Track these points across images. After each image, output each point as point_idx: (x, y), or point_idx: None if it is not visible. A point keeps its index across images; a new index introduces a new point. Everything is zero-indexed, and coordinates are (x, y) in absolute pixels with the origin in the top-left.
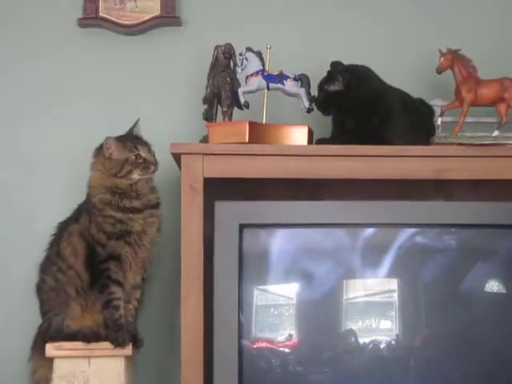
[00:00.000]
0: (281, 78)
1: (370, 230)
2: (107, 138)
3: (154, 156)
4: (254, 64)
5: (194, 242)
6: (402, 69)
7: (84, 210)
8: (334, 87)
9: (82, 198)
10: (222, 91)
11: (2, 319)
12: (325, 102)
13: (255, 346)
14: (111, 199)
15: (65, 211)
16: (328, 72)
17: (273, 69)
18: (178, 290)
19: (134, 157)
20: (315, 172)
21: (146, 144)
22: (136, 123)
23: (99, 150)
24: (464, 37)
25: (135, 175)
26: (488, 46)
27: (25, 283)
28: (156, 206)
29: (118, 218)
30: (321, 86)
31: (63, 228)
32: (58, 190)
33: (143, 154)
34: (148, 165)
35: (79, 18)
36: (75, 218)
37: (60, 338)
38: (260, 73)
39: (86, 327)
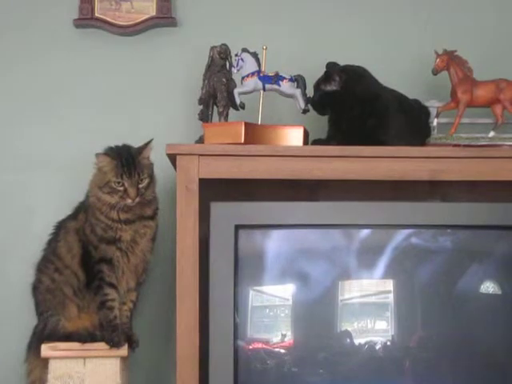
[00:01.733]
0: (277, 78)
1: (365, 231)
2: (105, 150)
3: (136, 190)
4: (249, 65)
5: (190, 243)
6: (398, 70)
7: (82, 208)
8: (331, 87)
9: (78, 199)
10: (217, 92)
11: None
12: (320, 101)
13: (251, 347)
14: (100, 207)
15: (62, 212)
16: (325, 72)
17: (269, 70)
18: (173, 291)
19: (116, 182)
20: (311, 173)
21: (136, 175)
22: (146, 145)
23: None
24: (460, 38)
25: (112, 199)
26: (484, 48)
27: (21, 284)
28: (151, 217)
29: (108, 224)
30: (317, 86)
31: (61, 226)
32: (55, 191)
33: (126, 184)
34: (125, 197)
35: (75, 19)
36: (74, 215)
37: (56, 339)
38: (256, 74)
39: (81, 328)
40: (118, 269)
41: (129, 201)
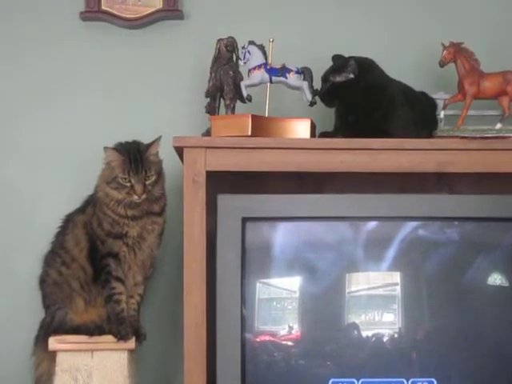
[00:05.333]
0: (283, 71)
1: (372, 224)
2: (114, 145)
3: (143, 186)
4: (256, 57)
5: (197, 236)
6: (405, 62)
7: (91, 201)
8: (341, 78)
9: (84, 192)
10: (224, 84)
11: (4, 314)
12: (329, 93)
13: (258, 340)
14: (108, 202)
15: (67, 205)
16: (340, 63)
17: (275, 62)
18: (180, 284)
19: (123, 178)
20: (318, 165)
21: (143, 172)
22: (154, 141)
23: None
24: (467, 30)
25: (119, 195)
26: (491, 39)
27: (26, 278)
28: (159, 213)
29: (115, 220)
30: (325, 77)
31: (69, 219)
32: (59, 185)
33: (133, 181)
34: (132, 193)
35: (81, 12)
36: (82, 208)
37: (63, 332)
38: (262, 66)
39: (89, 321)
40: (124, 264)
41: (135, 197)
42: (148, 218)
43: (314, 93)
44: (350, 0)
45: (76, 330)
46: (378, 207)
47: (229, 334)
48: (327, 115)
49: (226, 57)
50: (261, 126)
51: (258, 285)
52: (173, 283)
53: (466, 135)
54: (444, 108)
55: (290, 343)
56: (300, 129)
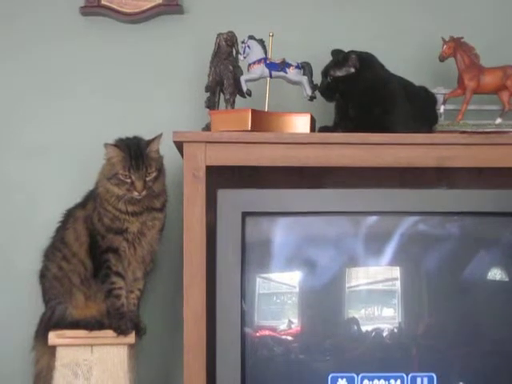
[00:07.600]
0: (283, 65)
1: (372, 218)
2: (115, 141)
3: (144, 183)
4: (256, 52)
5: (197, 230)
6: (405, 57)
7: (92, 197)
8: (341, 72)
9: (83, 188)
10: (224, 79)
11: (4, 309)
12: (329, 88)
13: (258, 334)
14: (109, 198)
15: (67, 200)
16: (341, 56)
17: (275, 57)
18: (180, 278)
19: (124, 175)
20: (318, 160)
21: (144, 168)
22: (155, 138)
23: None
24: (467, 24)
25: (119, 191)
26: (491, 34)
27: (27, 272)
28: (160, 209)
29: (115, 215)
30: (326, 72)
31: (70, 214)
32: (59, 180)
33: (133, 177)
34: (132, 189)
35: (81, 6)
36: (83, 203)
37: (63, 326)
38: (262, 61)
39: (89, 316)
40: (124, 259)
41: (135, 194)
42: (148, 213)
43: (314, 87)
44: None
45: (76, 325)
46: (378, 202)
47: (229, 329)
48: (327, 110)
49: (226, 51)
50: (261, 120)
51: (258, 279)
52: (173, 278)
53: (466, 130)
54: (444, 103)
55: (289, 338)
56: (300, 123)
